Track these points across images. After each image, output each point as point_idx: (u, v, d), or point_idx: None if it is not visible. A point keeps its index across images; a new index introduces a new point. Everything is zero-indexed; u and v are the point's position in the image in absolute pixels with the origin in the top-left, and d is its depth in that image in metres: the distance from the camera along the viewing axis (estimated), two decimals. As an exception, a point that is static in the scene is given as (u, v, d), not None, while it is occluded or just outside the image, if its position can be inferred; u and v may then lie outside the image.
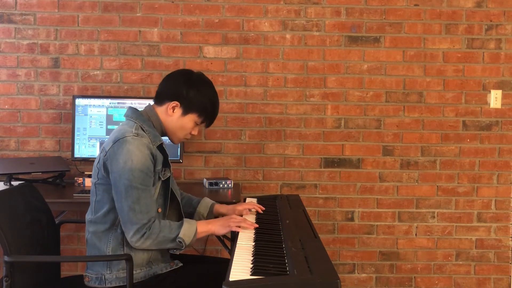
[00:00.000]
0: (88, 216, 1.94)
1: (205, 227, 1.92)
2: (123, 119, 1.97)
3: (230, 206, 2.20)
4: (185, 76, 1.98)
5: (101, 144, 2.85)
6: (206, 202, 2.22)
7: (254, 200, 2.39)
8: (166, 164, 1.93)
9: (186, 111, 1.94)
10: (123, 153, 1.79)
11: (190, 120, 1.96)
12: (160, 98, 1.97)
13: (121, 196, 1.79)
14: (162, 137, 1.97)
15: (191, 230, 1.86)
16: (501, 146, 3.23)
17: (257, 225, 1.93)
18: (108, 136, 2.14)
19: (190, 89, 1.93)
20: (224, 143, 3.16)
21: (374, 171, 3.21)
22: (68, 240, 3.12)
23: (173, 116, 1.94)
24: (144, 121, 1.92)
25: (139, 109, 1.97)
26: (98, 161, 1.89)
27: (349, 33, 3.16)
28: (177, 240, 1.83)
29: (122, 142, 1.81)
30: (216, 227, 1.93)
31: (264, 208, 2.17)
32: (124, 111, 2.00)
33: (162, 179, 1.91)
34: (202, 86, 1.97)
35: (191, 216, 2.19)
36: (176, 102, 1.93)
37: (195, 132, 2.01)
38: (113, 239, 1.86)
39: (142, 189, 1.80)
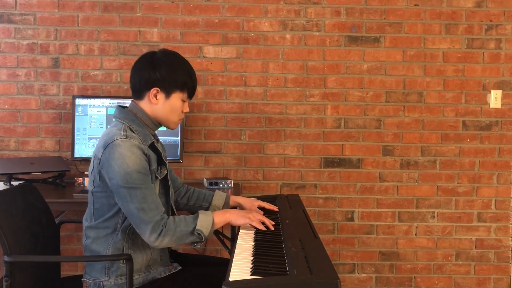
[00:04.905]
0: (87, 223, 1.89)
1: (222, 217, 1.88)
2: None
3: (248, 199, 2.21)
4: (150, 59, 1.88)
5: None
6: (220, 194, 2.20)
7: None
8: (160, 162, 1.89)
9: (168, 92, 1.87)
10: (116, 158, 1.74)
11: (176, 99, 1.88)
12: (137, 91, 1.89)
13: (126, 200, 1.74)
14: (159, 128, 1.94)
15: (208, 220, 1.82)
16: (501, 146, 3.23)
17: (273, 228, 1.88)
18: None
19: (161, 70, 1.85)
20: (224, 143, 3.16)
21: (374, 171, 3.21)
22: (68, 240, 3.12)
23: (158, 103, 1.87)
24: (133, 120, 1.86)
25: (127, 106, 1.93)
26: (93, 169, 1.84)
27: (349, 33, 3.16)
28: (195, 233, 1.79)
29: (112, 146, 1.76)
30: (234, 216, 1.90)
31: (277, 209, 2.16)
32: None
33: (159, 177, 1.88)
34: (170, 62, 1.88)
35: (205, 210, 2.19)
36: (155, 88, 1.85)
37: (186, 109, 1.94)
38: (112, 245, 1.83)
39: (145, 188, 1.76)
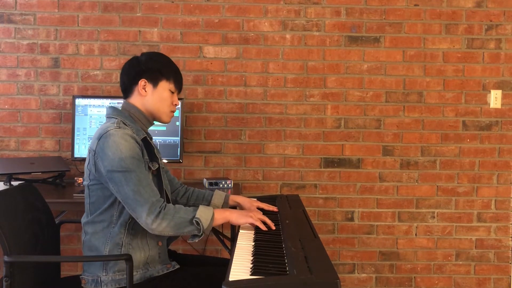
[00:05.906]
0: (84, 219, 1.92)
1: (222, 214, 1.89)
2: None
3: (247, 198, 2.21)
4: (135, 59, 2.00)
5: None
6: (220, 193, 2.22)
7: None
8: (152, 158, 1.91)
9: (154, 81, 1.94)
10: (110, 146, 1.78)
11: (164, 89, 1.96)
12: (127, 89, 1.98)
13: (121, 184, 1.76)
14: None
15: (208, 213, 1.82)
16: (501, 146, 3.23)
17: (274, 228, 1.88)
18: None
19: (145, 63, 1.95)
20: (224, 143, 3.16)
21: (374, 171, 3.21)
22: (68, 240, 3.12)
23: (147, 94, 1.94)
24: (126, 117, 1.91)
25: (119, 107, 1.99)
26: (88, 162, 1.87)
27: (349, 33, 3.16)
28: (194, 221, 1.78)
29: (106, 136, 1.80)
30: (235, 215, 1.90)
31: (277, 210, 2.16)
32: None
33: (152, 168, 1.89)
34: (153, 56, 2.01)
35: None
36: (143, 80, 1.94)
37: (176, 102, 2.01)
38: (110, 239, 1.84)
39: (139, 171, 1.78)
